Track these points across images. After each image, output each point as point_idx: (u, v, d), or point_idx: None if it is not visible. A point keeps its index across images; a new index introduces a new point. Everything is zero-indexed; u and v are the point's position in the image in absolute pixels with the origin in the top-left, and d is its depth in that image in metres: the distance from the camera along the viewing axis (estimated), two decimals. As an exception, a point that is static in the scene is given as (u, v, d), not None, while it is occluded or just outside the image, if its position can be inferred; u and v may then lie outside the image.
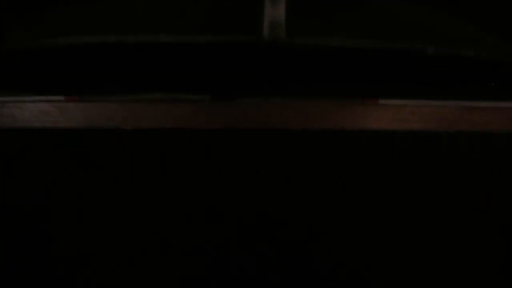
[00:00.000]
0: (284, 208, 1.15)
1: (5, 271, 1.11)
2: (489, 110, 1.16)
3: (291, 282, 1.15)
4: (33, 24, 1.10)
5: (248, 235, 1.14)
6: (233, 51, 1.08)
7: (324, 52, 1.10)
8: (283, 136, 1.14)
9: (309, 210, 1.16)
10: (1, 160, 1.09)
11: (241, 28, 1.07)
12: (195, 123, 1.11)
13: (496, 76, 1.15)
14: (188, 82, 1.11)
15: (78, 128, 1.10)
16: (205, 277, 1.13)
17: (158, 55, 1.08)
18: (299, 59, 1.11)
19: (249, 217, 1.14)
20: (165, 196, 1.14)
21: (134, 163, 1.12)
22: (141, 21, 1.09)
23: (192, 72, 1.11)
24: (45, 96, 1.10)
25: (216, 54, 1.08)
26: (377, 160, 1.17)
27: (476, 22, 1.17)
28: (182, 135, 1.12)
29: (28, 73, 1.09)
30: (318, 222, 1.16)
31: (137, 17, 1.10)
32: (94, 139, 1.11)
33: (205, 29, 1.05)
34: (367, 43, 1.10)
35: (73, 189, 1.11)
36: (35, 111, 1.09)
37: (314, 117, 1.14)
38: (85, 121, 1.10)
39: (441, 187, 1.18)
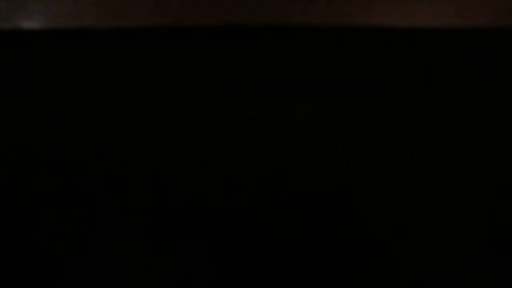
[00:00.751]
0: (307, 130, 0.96)
1: None
2: None
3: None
4: None
5: (257, 154, 0.96)
6: None
7: None
8: (308, 34, 0.96)
9: (340, 131, 0.96)
10: None
11: None
12: (189, 19, 0.95)
13: None
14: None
15: (39, 28, 0.94)
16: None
17: None
18: None
19: (256, 138, 0.96)
20: (151, 115, 0.95)
21: (111, 71, 0.96)
22: None
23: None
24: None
25: None
26: (434, 64, 0.96)
27: None
28: (171, 34, 0.96)
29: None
30: (347, 146, 0.96)
31: None
32: (59, 43, 0.95)
33: None
34: None
35: (33, 110, 0.95)
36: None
37: (347, 10, 0.95)
38: (47, 19, 0.95)
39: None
